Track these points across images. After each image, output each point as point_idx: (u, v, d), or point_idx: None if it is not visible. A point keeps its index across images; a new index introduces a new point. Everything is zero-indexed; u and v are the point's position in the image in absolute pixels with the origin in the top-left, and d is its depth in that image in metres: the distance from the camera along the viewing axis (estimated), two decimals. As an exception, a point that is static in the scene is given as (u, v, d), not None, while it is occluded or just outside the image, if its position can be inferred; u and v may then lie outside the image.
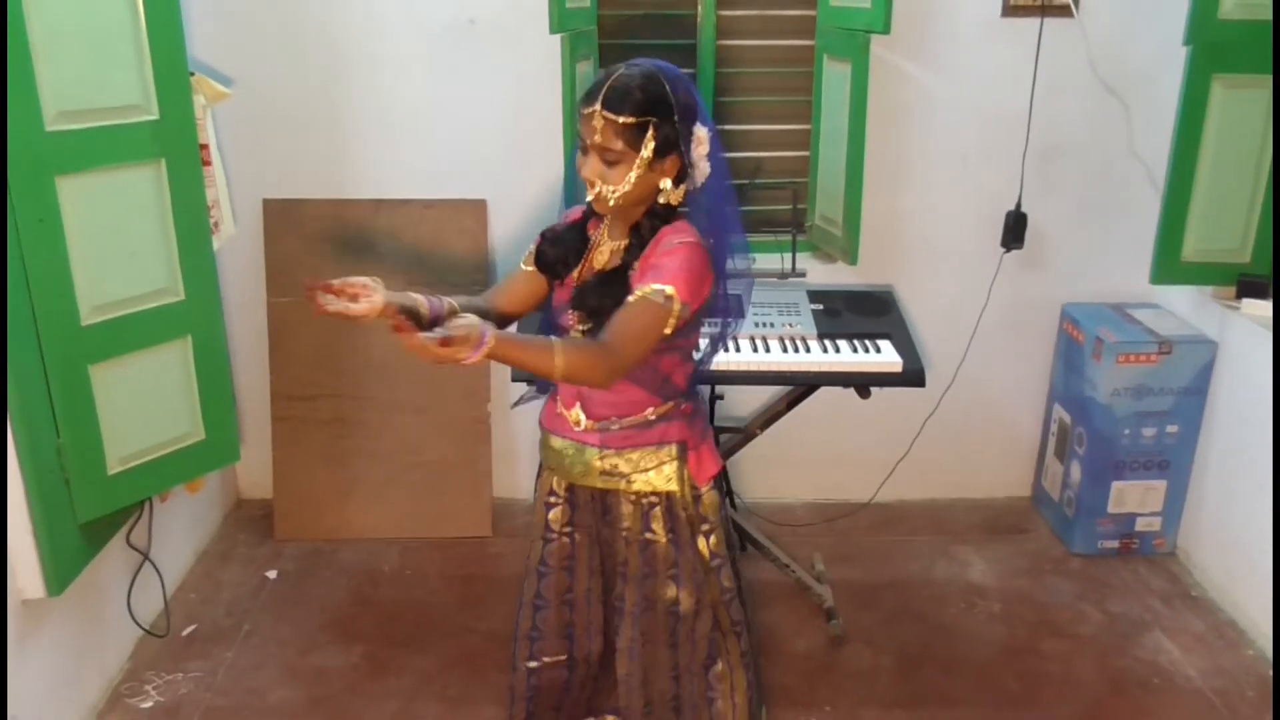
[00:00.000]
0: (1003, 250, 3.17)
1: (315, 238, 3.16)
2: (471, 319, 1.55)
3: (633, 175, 1.68)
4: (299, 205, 3.15)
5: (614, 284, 1.75)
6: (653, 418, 1.88)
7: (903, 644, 2.84)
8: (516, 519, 3.35)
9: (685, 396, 1.92)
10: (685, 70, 3.06)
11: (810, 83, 3.12)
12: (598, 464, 1.91)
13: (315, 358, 3.21)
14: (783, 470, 3.44)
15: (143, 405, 2.41)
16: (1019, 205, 3.12)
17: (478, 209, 3.17)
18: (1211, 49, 2.72)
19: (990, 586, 3.11)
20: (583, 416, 1.89)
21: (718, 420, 3.06)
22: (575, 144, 1.75)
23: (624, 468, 1.90)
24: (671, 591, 1.96)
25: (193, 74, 2.38)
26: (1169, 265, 2.95)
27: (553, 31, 2.65)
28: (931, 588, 3.10)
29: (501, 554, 3.22)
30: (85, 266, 2.20)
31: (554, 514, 2.02)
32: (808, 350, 2.72)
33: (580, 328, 1.80)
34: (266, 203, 3.14)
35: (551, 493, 2.01)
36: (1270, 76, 2.72)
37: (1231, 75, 2.74)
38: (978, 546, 3.31)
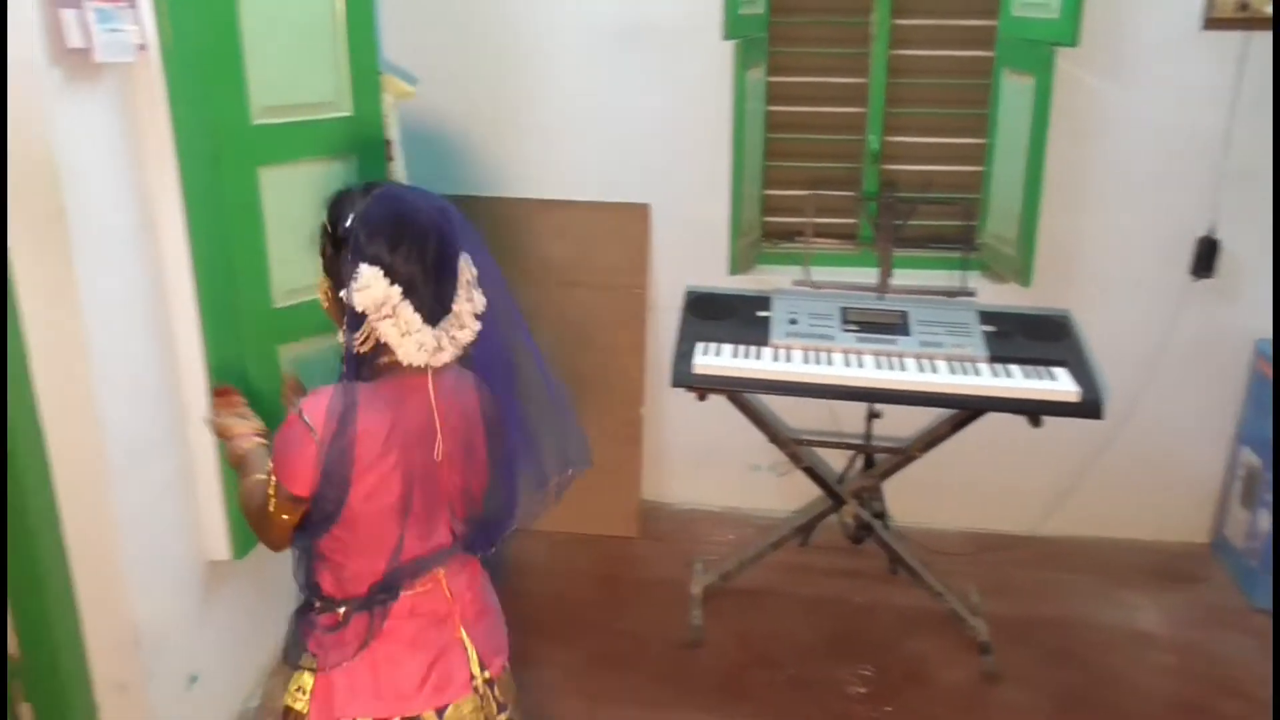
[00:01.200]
0: (1191, 278, 2.98)
1: (481, 235, 3.26)
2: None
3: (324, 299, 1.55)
4: (465, 202, 3.25)
5: None
6: None
7: (1060, 687, 2.70)
8: (663, 522, 3.37)
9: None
10: (855, 80, 3.06)
11: (986, 95, 3.03)
12: None
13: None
14: (938, 495, 3.32)
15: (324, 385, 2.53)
16: (1211, 231, 2.93)
17: (641, 213, 3.21)
18: None
19: (1160, 635, 2.91)
20: None
21: (875, 439, 2.99)
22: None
23: None
24: None
25: (381, 73, 2.50)
26: (1383, 299, 2.71)
27: (726, 38, 2.67)
28: (1094, 631, 2.93)
29: (645, 556, 3.24)
30: (279, 253, 2.33)
31: None
32: (977, 373, 2.62)
33: None
34: (432, 199, 3.27)
35: None
36: None
37: None
38: (1147, 592, 3.10)
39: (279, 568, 2.70)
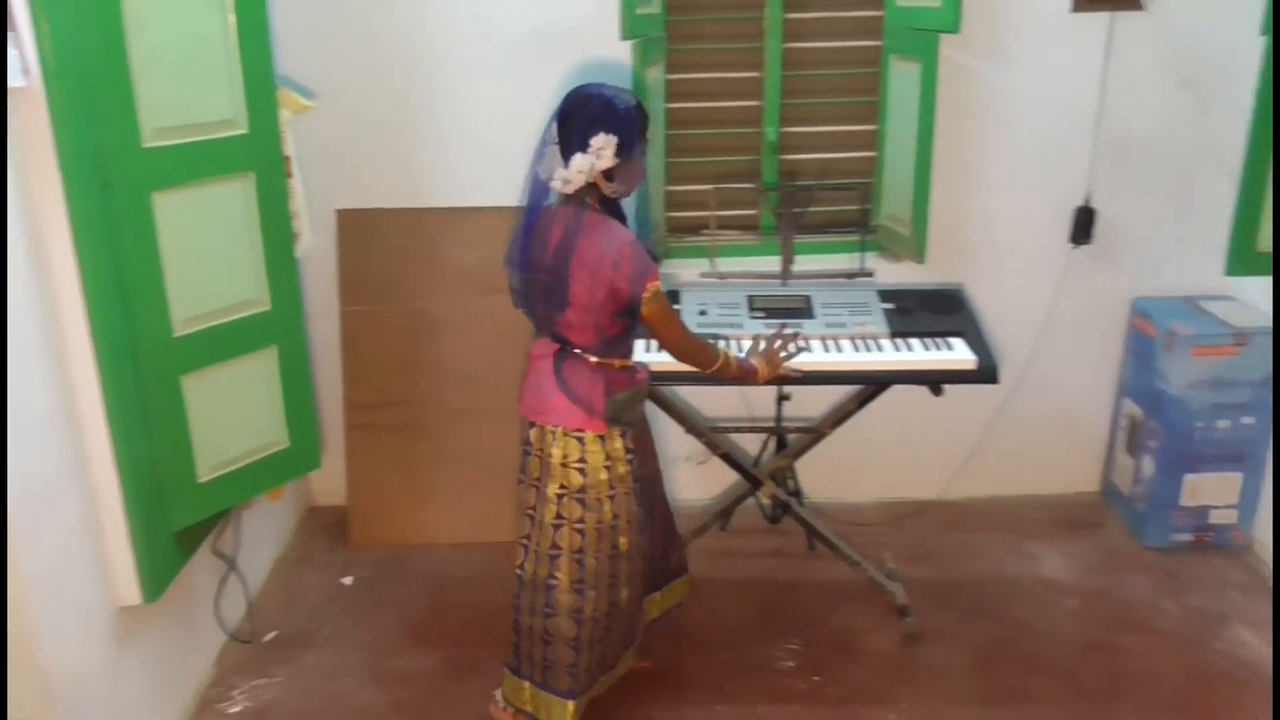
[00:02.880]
0: (1071, 246, 3.16)
1: (389, 247, 3.20)
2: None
3: None
4: (372, 215, 3.19)
5: None
6: None
7: (978, 641, 2.84)
8: (587, 522, 3.37)
9: None
10: (751, 74, 3.12)
11: (876, 83, 3.13)
12: None
13: (389, 365, 3.25)
14: (852, 469, 3.44)
15: (231, 414, 2.45)
16: (1088, 200, 3.10)
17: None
18: (1290, 38, 2.70)
19: (1065, 582, 3.10)
20: None
21: (786, 420, 3.07)
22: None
23: None
24: None
25: (277, 88, 2.42)
26: (1245, 256, 2.93)
27: (624, 38, 2.68)
28: (1005, 584, 3.09)
29: (574, 557, 3.24)
30: (177, 279, 2.24)
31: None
32: (880, 349, 2.72)
33: None
34: (340, 213, 3.19)
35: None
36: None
37: (1310, 64, 2.72)
38: (1050, 542, 3.30)
39: (194, 608, 2.63)
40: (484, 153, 3.14)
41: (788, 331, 2.56)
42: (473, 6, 3.01)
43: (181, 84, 2.17)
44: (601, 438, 2.24)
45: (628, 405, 2.26)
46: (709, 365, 2.31)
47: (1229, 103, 3.03)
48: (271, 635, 2.89)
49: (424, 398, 3.27)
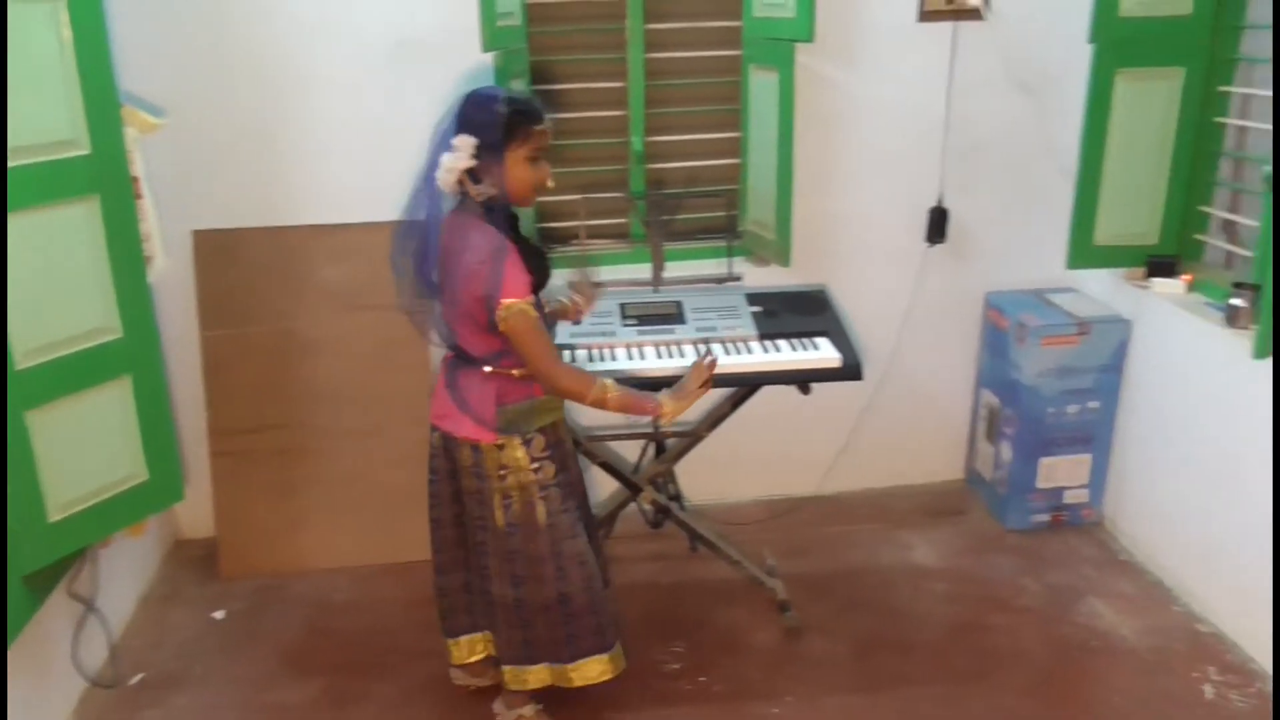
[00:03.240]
0: (927, 245, 3.30)
1: (252, 267, 3.09)
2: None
3: None
4: (232, 235, 3.08)
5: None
6: None
7: (857, 630, 2.93)
8: (469, 537, 3.34)
9: None
10: (615, 84, 3.15)
11: (738, 91, 3.19)
12: None
13: (254, 390, 3.14)
14: (729, 471, 3.50)
15: (83, 449, 2.34)
16: (940, 201, 3.25)
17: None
18: (1114, 45, 2.88)
19: (934, 568, 3.23)
20: None
21: (663, 425, 3.09)
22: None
23: None
24: None
25: (122, 105, 2.31)
26: (1083, 250, 3.11)
27: (485, 50, 2.66)
28: (879, 573, 3.20)
29: (457, 574, 3.20)
30: (19, 308, 2.12)
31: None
32: (750, 351, 2.78)
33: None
34: (196, 234, 3.07)
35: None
36: (1170, 69, 2.91)
37: (1133, 69, 2.91)
38: (919, 530, 3.43)
39: (49, 656, 2.49)
40: (347, 168, 3.07)
41: (706, 360, 2.44)
42: (330, 19, 2.95)
43: (15, 103, 2.04)
44: (499, 446, 2.23)
45: (525, 415, 2.26)
46: (582, 397, 2.21)
47: (1062, 106, 3.21)
48: (138, 678, 2.76)
49: (295, 420, 3.17)
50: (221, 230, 3.08)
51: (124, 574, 2.97)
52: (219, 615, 3.02)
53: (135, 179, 2.39)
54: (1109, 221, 3.06)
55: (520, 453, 2.25)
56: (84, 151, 2.20)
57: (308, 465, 3.18)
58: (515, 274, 2.09)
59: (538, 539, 2.30)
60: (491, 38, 2.62)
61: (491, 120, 2.04)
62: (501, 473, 2.26)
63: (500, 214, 2.13)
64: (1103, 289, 3.32)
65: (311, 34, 2.95)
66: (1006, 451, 3.39)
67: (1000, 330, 3.36)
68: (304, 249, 3.11)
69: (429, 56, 2.99)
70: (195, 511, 3.27)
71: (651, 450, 3.18)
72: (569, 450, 2.43)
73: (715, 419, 3.03)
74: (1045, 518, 3.39)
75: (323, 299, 3.13)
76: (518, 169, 2.09)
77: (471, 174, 2.10)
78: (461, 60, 2.92)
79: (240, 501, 3.18)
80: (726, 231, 3.09)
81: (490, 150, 2.05)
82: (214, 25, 2.91)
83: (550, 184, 2.16)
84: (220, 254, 3.09)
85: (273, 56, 2.96)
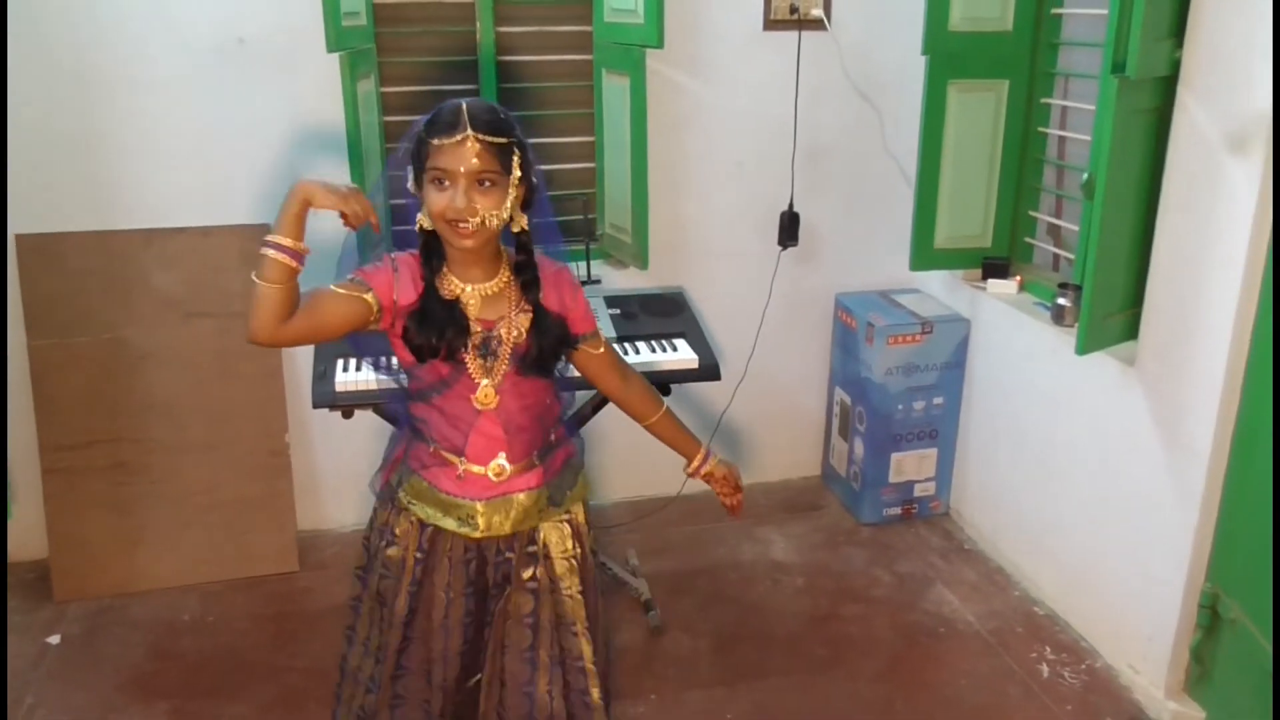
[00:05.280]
0: (780, 248, 3.39)
1: (78, 273, 2.94)
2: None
3: (509, 200, 1.64)
4: (58, 239, 2.92)
5: (552, 328, 1.78)
6: (554, 438, 1.90)
7: (717, 626, 2.98)
8: (324, 550, 3.26)
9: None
10: (467, 87, 3.12)
11: (591, 96, 3.22)
12: (530, 504, 1.85)
13: (87, 402, 2.99)
14: (594, 472, 3.50)
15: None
16: (791, 205, 3.34)
17: (262, 234, 3.02)
18: (945, 58, 3.03)
19: (792, 562, 3.31)
20: (506, 465, 1.81)
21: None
22: (403, 181, 1.69)
23: (555, 496, 1.89)
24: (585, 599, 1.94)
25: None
26: (924, 253, 3.25)
27: (330, 50, 2.60)
28: (740, 569, 3.27)
29: (311, 588, 3.12)
30: None
31: (472, 569, 1.88)
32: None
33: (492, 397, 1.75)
34: (19, 238, 2.90)
35: (466, 549, 1.86)
36: (996, 81, 3.07)
37: (964, 80, 3.06)
38: (778, 526, 3.52)
39: None
40: (182, 170, 2.96)
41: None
42: (161, 15, 2.83)
43: None
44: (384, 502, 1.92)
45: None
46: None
47: (900, 115, 3.36)
48: (-38, 711, 2.59)
49: (129, 434, 3.02)
50: (45, 234, 2.91)
51: (-55, 602, 2.78)
52: (54, 640, 2.86)
53: (-55, 179, 2.24)
54: (947, 225, 3.20)
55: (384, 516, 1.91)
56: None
57: (146, 481, 3.05)
58: (376, 267, 1.73)
59: None
60: (337, 37, 2.57)
61: (409, 137, 1.69)
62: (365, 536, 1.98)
63: (429, 247, 1.72)
64: (943, 289, 3.48)
65: (145, 29, 2.83)
66: (859, 447, 3.51)
67: (850, 330, 3.48)
68: (133, 254, 2.97)
69: (271, 56, 2.91)
70: (26, 532, 3.08)
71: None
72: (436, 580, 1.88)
73: (577, 421, 3.03)
74: (897, 511, 3.53)
75: (155, 306, 3.00)
76: (427, 194, 1.65)
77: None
78: (305, 60, 2.85)
79: (73, 520, 3.01)
80: (585, 235, 3.11)
81: (415, 173, 1.68)
82: (34, 20, 2.76)
83: (457, 214, 1.62)
84: (44, 259, 2.92)
85: (102, 54, 2.82)
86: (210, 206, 3.00)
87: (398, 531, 1.87)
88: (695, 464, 2.05)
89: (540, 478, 1.85)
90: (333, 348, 2.68)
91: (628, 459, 3.53)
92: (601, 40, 3.10)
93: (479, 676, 1.93)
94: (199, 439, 3.06)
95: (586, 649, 1.92)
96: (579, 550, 1.92)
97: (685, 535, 3.45)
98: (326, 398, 2.59)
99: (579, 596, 1.91)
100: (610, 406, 2.95)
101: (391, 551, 1.87)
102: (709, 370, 2.83)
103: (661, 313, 3.05)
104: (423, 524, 1.85)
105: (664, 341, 2.89)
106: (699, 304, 3.36)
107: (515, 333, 1.75)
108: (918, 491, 3.52)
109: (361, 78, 2.75)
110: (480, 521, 1.82)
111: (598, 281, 3.15)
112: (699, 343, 2.90)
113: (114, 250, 2.96)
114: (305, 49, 2.81)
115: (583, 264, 3.07)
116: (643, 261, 3.07)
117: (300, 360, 3.12)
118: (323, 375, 2.64)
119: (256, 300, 1.62)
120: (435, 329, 1.69)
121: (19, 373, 2.97)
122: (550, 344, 1.77)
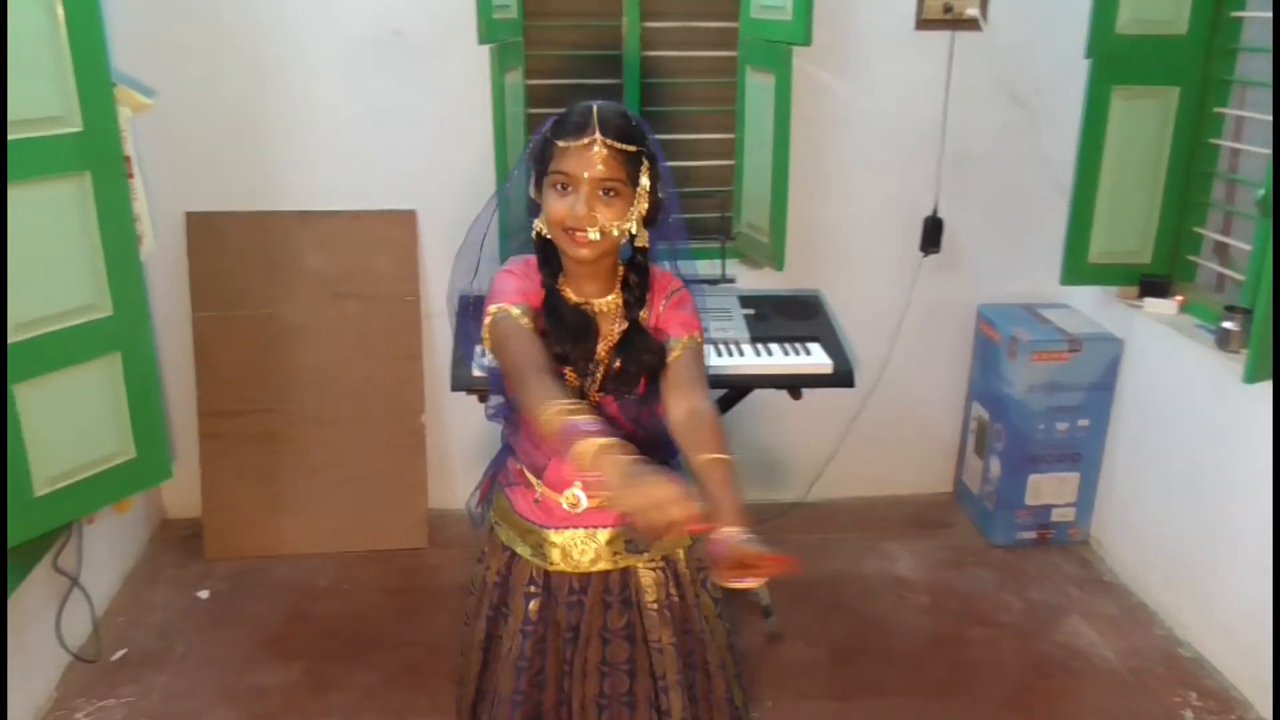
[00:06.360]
0: (921, 254, 3.30)
1: (239, 251, 3.12)
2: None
3: (634, 210, 1.56)
4: (222, 218, 3.11)
5: (645, 348, 1.65)
6: None
7: (836, 638, 2.92)
8: (452, 529, 3.35)
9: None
10: (610, 81, 3.16)
11: (734, 93, 3.20)
12: (607, 544, 1.71)
13: (243, 373, 3.17)
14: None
15: (71, 424, 2.35)
16: (935, 211, 3.25)
17: (407, 220, 3.17)
18: (1110, 62, 2.88)
19: (917, 579, 3.22)
20: (582, 496, 1.68)
21: (651, 425, 3.12)
22: (529, 184, 1.62)
23: (638, 541, 1.70)
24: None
25: (115, 85, 2.33)
26: (1077, 267, 3.10)
27: (481, 42, 2.68)
28: (861, 582, 3.19)
29: (438, 565, 3.22)
30: (8, 282, 2.14)
31: (533, 605, 1.76)
32: (741, 354, 2.78)
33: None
34: (189, 216, 3.10)
35: (531, 581, 1.76)
36: (1165, 88, 2.90)
37: (1129, 86, 2.90)
38: (904, 541, 3.42)
39: (32, 628, 2.51)
40: (336, 156, 3.10)
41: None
42: (326, 6, 2.97)
43: (9, 77, 2.07)
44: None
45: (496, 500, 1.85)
46: (535, 419, 1.46)
47: (1058, 121, 3.20)
48: (120, 654, 2.78)
49: (279, 405, 3.19)
50: (212, 213, 3.11)
51: (109, 551, 2.99)
52: (203, 595, 3.05)
53: (127, 158, 2.41)
54: (1103, 239, 3.05)
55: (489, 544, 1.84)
56: (76, 129, 2.22)
57: (292, 451, 3.21)
58: (504, 281, 1.66)
59: None
60: (488, 29, 2.64)
61: (536, 137, 1.63)
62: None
63: (545, 252, 1.65)
64: (1094, 306, 3.31)
65: (308, 20, 2.97)
66: (995, 466, 3.37)
67: (992, 343, 3.35)
68: (289, 234, 3.13)
69: (423, 47, 3.01)
70: (181, 492, 3.29)
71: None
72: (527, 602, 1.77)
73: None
74: (1031, 534, 3.38)
75: (306, 285, 3.16)
76: (547, 199, 1.58)
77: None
78: (454, 52, 2.94)
79: (226, 483, 3.20)
80: (720, 233, 3.10)
81: (536, 175, 1.62)
82: (207, 9, 2.94)
83: (576, 223, 1.54)
84: (211, 236, 3.11)
85: (268, 42, 2.98)
86: (360, 192, 3.13)
87: (486, 549, 1.83)
88: (720, 533, 1.44)
89: (621, 517, 1.63)
90: (471, 334, 2.75)
91: (751, 460, 3.51)
92: (747, 37, 3.08)
93: None
94: (341, 414, 3.20)
95: (676, 703, 1.76)
96: (677, 599, 1.76)
97: (807, 543, 3.39)
98: (464, 381, 2.66)
99: (670, 649, 1.75)
100: (735, 408, 2.97)
101: (479, 569, 1.84)
102: (843, 377, 2.77)
103: (796, 315, 3.01)
104: (504, 546, 1.78)
105: (797, 344, 2.84)
106: (834, 308, 3.30)
107: (610, 350, 1.64)
108: (1055, 516, 3.36)
109: (509, 70, 2.82)
110: (551, 553, 1.71)
111: (731, 280, 3.13)
112: (834, 347, 2.85)
113: (271, 230, 3.13)
114: (455, 40, 2.90)
115: (716, 262, 3.06)
116: (778, 262, 3.04)
117: (439, 344, 3.23)
118: (461, 360, 2.72)
119: (546, 421, 1.42)
120: (569, 336, 1.62)
121: (184, 342, 3.17)
122: (637, 367, 1.64)
